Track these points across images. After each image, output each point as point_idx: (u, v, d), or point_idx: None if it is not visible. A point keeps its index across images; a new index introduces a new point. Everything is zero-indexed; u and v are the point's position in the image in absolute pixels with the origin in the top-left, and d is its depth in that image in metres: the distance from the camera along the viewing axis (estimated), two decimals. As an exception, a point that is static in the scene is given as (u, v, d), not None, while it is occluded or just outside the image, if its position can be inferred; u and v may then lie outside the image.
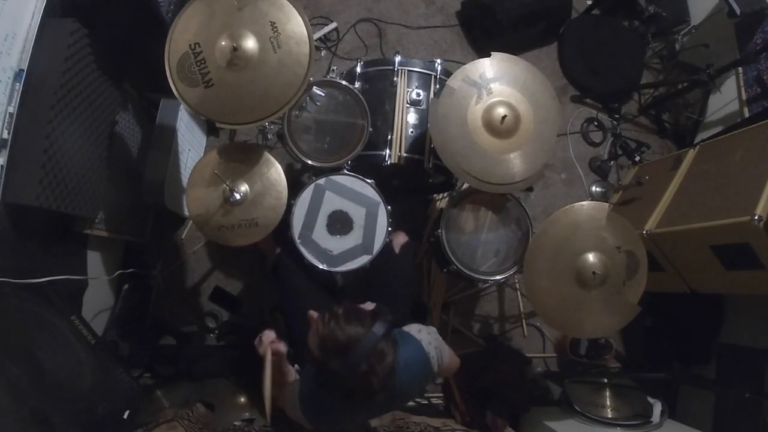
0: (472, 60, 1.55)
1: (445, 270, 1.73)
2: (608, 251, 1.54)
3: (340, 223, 1.55)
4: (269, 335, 1.36)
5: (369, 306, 1.38)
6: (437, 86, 1.67)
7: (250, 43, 1.29)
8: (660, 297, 1.92)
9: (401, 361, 1.12)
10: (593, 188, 2.47)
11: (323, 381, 1.09)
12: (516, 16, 2.32)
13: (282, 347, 1.36)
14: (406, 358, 1.20)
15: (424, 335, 1.31)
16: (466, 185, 1.69)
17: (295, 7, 1.31)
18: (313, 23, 2.36)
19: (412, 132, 1.65)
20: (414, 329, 1.32)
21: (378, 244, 1.55)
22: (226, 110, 1.32)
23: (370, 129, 1.57)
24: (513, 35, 2.40)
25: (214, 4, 1.29)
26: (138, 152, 1.85)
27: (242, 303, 2.05)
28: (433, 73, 1.68)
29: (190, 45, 1.29)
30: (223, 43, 1.28)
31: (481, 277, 1.66)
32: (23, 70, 1.20)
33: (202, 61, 1.29)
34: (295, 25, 1.31)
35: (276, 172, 1.49)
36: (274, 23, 1.30)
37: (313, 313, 1.17)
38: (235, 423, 1.70)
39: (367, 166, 1.64)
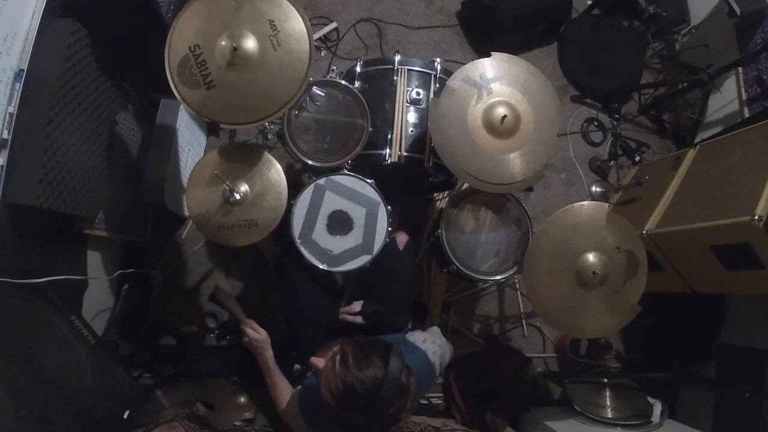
0: (472, 60, 1.55)
1: (445, 270, 1.73)
2: (608, 251, 1.54)
3: (340, 223, 1.55)
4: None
5: (356, 307, 1.37)
6: (437, 85, 1.67)
7: (250, 43, 1.29)
8: (660, 297, 1.92)
9: None
10: (593, 188, 2.47)
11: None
12: (516, 16, 2.32)
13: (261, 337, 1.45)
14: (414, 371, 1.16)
15: (429, 344, 1.30)
16: (466, 185, 1.69)
17: (292, 5, 1.31)
18: (313, 23, 2.36)
19: (412, 131, 1.65)
20: (418, 338, 1.30)
21: (378, 243, 1.54)
22: (229, 110, 1.32)
23: (370, 128, 1.57)
24: (513, 35, 2.40)
25: (212, 6, 1.29)
26: (138, 152, 1.85)
27: (242, 303, 2.05)
28: (433, 72, 1.67)
29: (189, 47, 1.28)
30: (223, 43, 1.28)
31: (481, 277, 1.66)
32: (23, 70, 1.20)
33: (203, 63, 1.28)
34: (294, 22, 1.31)
35: (276, 172, 1.49)
36: (273, 21, 1.30)
37: (318, 361, 1.04)
38: (235, 423, 1.70)
39: (367, 166, 1.64)
